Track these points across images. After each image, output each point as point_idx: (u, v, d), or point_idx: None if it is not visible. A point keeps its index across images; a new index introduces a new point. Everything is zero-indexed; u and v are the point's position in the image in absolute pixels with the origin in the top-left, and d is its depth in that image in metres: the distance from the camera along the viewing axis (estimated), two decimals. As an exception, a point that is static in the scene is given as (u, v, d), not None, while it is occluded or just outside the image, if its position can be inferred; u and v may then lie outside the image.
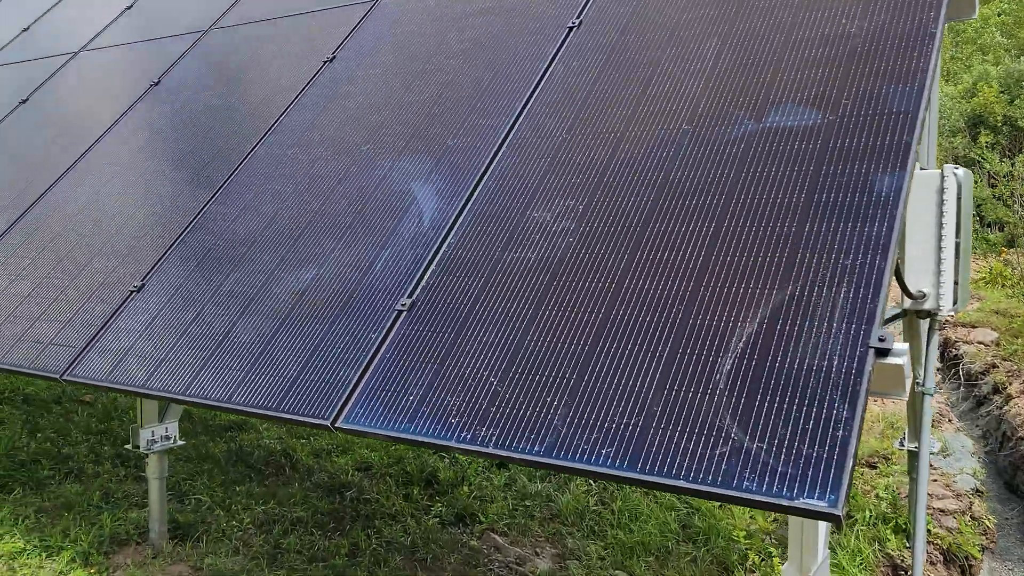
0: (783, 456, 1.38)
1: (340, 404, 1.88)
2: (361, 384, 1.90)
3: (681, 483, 1.41)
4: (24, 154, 3.80)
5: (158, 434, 3.18)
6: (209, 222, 2.70)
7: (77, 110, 3.92)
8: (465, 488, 3.90)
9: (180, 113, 3.42)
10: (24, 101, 4.28)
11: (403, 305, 2.02)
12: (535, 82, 2.50)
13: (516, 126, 2.37)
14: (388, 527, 3.50)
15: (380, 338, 1.98)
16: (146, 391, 2.18)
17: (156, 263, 2.64)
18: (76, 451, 4.24)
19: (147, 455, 3.19)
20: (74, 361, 2.43)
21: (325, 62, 3.20)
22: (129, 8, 4.67)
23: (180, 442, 3.26)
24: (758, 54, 2.15)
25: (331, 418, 1.86)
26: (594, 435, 1.55)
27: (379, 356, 1.94)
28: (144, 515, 3.53)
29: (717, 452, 1.43)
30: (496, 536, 3.52)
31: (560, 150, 2.21)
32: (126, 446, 3.20)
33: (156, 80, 3.76)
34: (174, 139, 3.26)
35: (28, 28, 5.25)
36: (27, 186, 3.52)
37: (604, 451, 1.52)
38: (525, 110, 2.41)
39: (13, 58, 4.95)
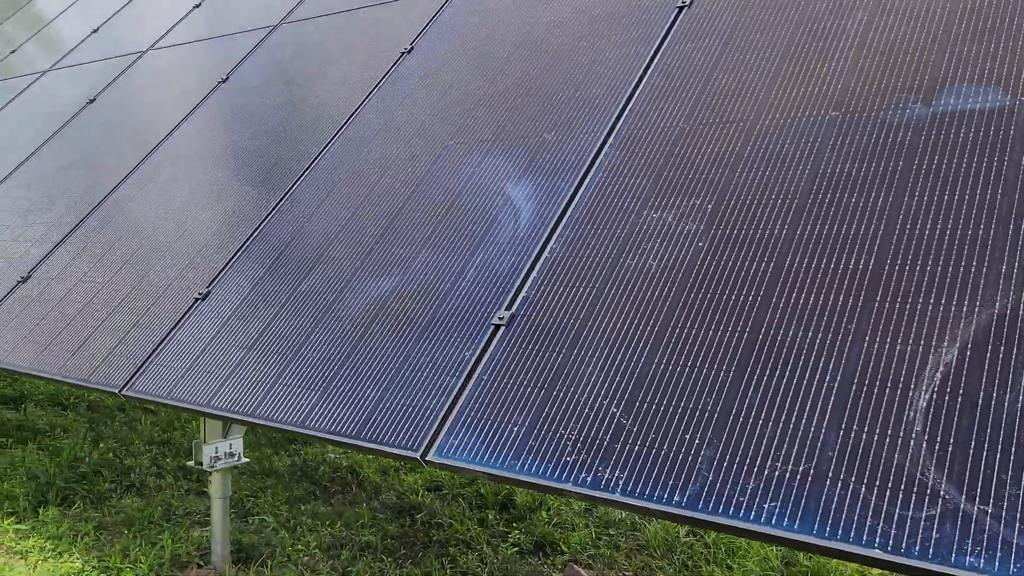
0: (1018, 524, 1.06)
1: (431, 433, 1.62)
2: (455, 410, 1.63)
3: (878, 553, 1.11)
4: (89, 155, 3.67)
5: (222, 451, 2.98)
6: (279, 225, 2.48)
7: (144, 109, 3.78)
8: (544, 513, 3.62)
9: (248, 110, 3.23)
10: (92, 101, 4.17)
11: (501, 319, 1.75)
12: (642, 68, 2.21)
13: (624, 116, 2.09)
14: (463, 556, 3.24)
15: (475, 357, 1.72)
16: (211, 410, 1.96)
17: (222, 269, 2.44)
18: (138, 463, 4.09)
19: (210, 473, 2.99)
20: (134, 374, 2.22)
21: (402, 53, 2.97)
22: (198, 5, 4.54)
23: (244, 460, 3.05)
24: (918, 25, 1.83)
25: (421, 450, 1.60)
26: (751, 484, 1.25)
27: (474, 378, 1.67)
28: (206, 534, 3.34)
29: (923, 515, 1.12)
30: (579, 568, 3.24)
31: (679, 143, 1.92)
32: (188, 462, 3.02)
33: (224, 77, 3.59)
34: (242, 138, 3.07)
35: (97, 30, 5.18)
36: (91, 187, 3.37)
37: (767, 505, 1.22)
38: (633, 99, 2.13)
39: (82, 59, 4.87)
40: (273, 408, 1.88)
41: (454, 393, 1.67)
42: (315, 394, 1.85)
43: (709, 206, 1.72)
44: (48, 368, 2.44)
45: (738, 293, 1.53)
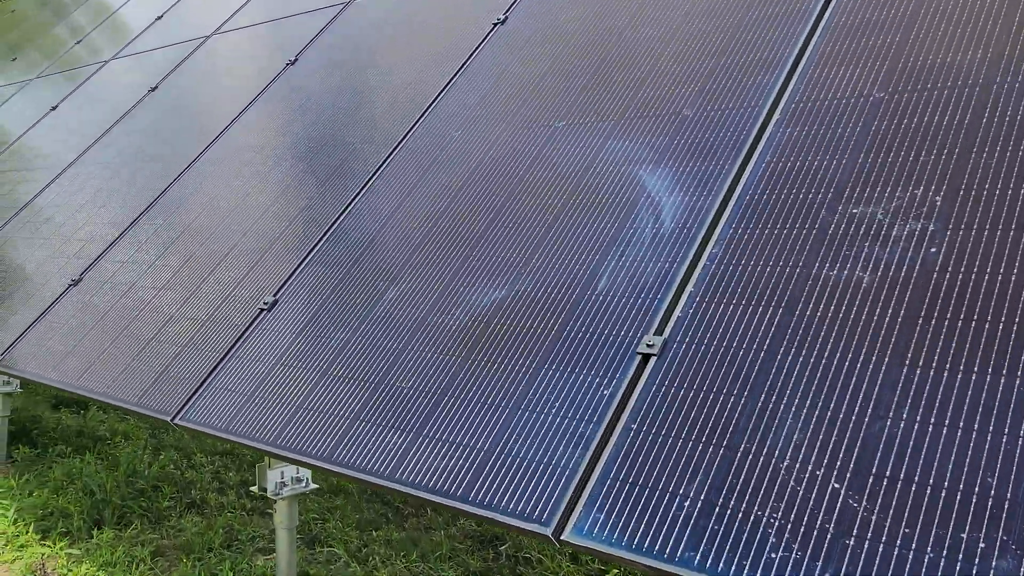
0: None
1: (565, 500, 1.21)
2: (597, 470, 1.22)
3: None
4: (148, 146, 3.38)
5: (288, 476, 2.63)
6: (356, 222, 2.11)
7: (206, 96, 3.47)
8: (644, 550, 3.19)
9: (319, 94, 2.88)
10: (153, 89, 3.90)
11: (650, 345, 1.34)
12: (810, 22, 1.77)
13: (792, 84, 1.65)
14: (557, 600, 2.84)
15: (617, 396, 1.31)
16: (279, 451, 1.60)
17: (291, 274, 2.08)
18: (199, 476, 3.81)
19: (275, 500, 2.66)
20: (190, 399, 1.88)
21: (495, 24, 2.57)
22: (264, -14, 4.24)
23: (313, 486, 2.71)
24: None
25: (553, 525, 1.20)
26: (1093, 624, 0.81)
27: (620, 426, 1.26)
28: (271, 564, 3.02)
29: None
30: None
31: (877, 115, 1.47)
32: (252, 488, 2.69)
33: (293, 59, 3.25)
34: (313, 123, 2.72)
35: (161, 16, 4.94)
36: (149, 180, 3.07)
37: None
38: (801, 62, 1.69)
39: (145, 46, 4.63)
40: (354, 452, 1.50)
41: (593, 446, 1.26)
42: (407, 436, 1.46)
43: (938, 198, 1.28)
44: (94, 386, 2.13)
45: (1008, 321, 1.08)
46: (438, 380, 1.53)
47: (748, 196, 1.48)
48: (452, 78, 2.46)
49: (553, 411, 1.35)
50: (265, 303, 2.02)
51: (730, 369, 1.23)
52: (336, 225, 2.15)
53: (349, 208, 2.18)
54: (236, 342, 1.97)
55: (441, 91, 2.44)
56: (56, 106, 4.71)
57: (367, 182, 2.24)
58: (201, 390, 1.88)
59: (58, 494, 3.60)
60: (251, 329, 1.97)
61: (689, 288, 1.39)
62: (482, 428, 1.39)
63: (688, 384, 1.25)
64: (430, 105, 2.41)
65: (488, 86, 2.31)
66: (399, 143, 2.32)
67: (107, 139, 3.72)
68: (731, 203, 1.49)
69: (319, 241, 2.13)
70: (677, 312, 1.37)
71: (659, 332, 1.36)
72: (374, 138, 2.42)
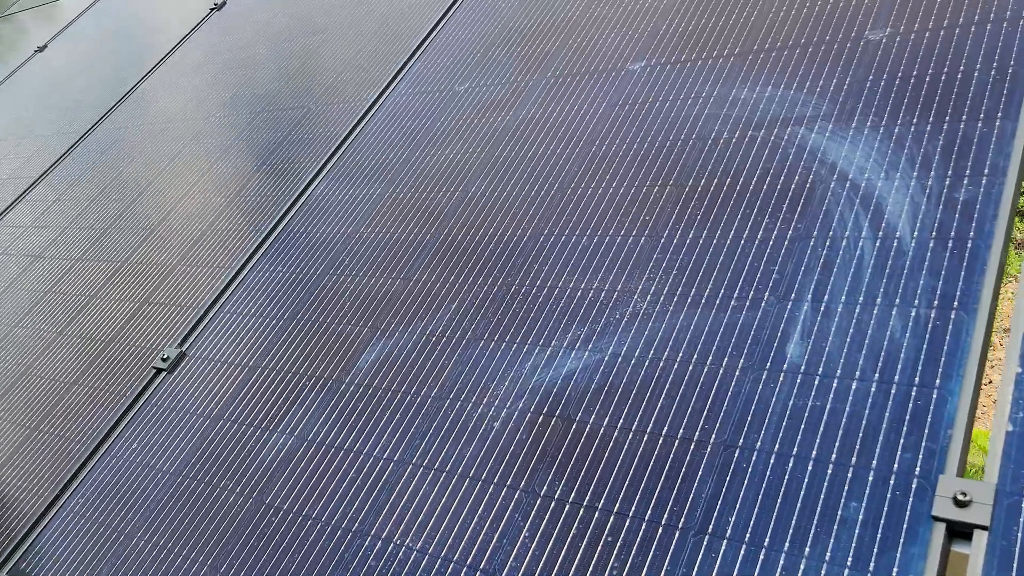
0: None
1: None
2: None
3: None
4: (28, 115, 2.55)
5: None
6: (310, 224, 1.35)
7: (105, 54, 2.66)
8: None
9: (256, 44, 2.10)
10: (41, 48, 3.05)
11: (963, 502, 0.62)
12: None
13: (1086, -24, 0.94)
14: None
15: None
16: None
17: (209, 308, 1.31)
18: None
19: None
20: (25, 538, 1.11)
21: (502, -63, 1.81)
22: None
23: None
24: None
25: None
26: None
27: None
28: None
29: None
30: None
31: None
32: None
33: (219, 1, 2.46)
34: (247, 83, 1.95)
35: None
36: (24, 163, 2.26)
37: None
38: (1088, -58, 0.98)
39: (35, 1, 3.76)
40: None
41: None
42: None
43: None
44: None
45: None
46: (471, 544, 0.79)
47: (1073, 176, 0.76)
48: (449, 9, 1.71)
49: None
50: (164, 359, 1.25)
51: None
52: (280, 228, 1.39)
53: (297, 204, 1.42)
54: (108, 434, 1.19)
55: (432, 30, 1.68)
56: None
57: (323, 166, 1.47)
58: (45, 526, 1.11)
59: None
60: (137, 408, 1.20)
61: (1014, 367, 0.67)
62: None
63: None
64: (417, 50, 1.65)
65: (508, 15, 1.55)
66: (370, 108, 1.56)
67: (-21, 114, 2.87)
68: (1044, 190, 0.77)
69: (252, 256, 1.37)
70: (1004, 424, 0.65)
71: (963, 471, 0.64)
72: (330, 100, 1.66)
